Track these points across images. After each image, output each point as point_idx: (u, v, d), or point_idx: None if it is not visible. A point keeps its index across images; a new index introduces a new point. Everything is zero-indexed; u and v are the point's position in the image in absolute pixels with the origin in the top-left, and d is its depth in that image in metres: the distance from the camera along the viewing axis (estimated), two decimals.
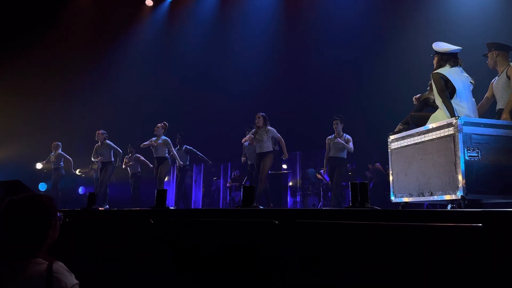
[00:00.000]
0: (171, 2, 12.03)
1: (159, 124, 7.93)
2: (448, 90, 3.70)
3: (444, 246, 1.89)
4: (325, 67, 9.88)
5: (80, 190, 11.94)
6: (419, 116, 3.97)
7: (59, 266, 1.67)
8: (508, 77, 3.95)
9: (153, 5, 12.04)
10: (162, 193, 3.31)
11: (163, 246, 2.99)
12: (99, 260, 3.27)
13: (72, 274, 1.70)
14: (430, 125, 3.62)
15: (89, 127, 11.41)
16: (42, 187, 11.73)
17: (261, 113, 6.92)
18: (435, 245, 1.91)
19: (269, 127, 6.84)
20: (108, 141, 8.42)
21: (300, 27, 10.44)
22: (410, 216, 2.08)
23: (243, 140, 7.23)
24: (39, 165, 11.70)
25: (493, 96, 4.16)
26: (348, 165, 7.46)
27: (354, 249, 2.15)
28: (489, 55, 4.11)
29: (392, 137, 4.07)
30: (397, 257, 2.00)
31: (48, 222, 1.75)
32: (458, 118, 3.30)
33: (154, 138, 7.90)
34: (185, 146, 8.60)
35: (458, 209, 3.09)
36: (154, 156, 7.88)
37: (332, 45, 9.69)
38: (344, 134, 6.99)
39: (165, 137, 7.87)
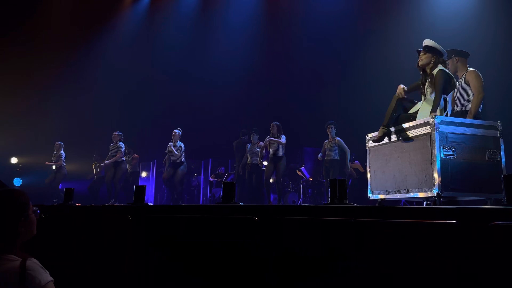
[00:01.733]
0: None
1: (175, 130, 8.31)
2: (451, 88, 3.77)
3: (419, 242, 1.93)
4: (306, 65, 9.94)
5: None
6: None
7: (33, 263, 1.64)
8: (466, 82, 4.24)
9: None
10: (141, 189, 3.27)
11: (141, 242, 2.96)
12: (74, 256, 3.22)
13: (47, 271, 1.67)
14: (407, 124, 3.68)
15: (67, 122, 11.21)
16: (17, 182, 11.47)
17: (275, 122, 7.73)
18: (411, 241, 1.95)
19: (283, 135, 7.67)
20: (121, 143, 8.82)
21: (281, 22, 10.47)
22: (387, 213, 2.11)
23: (261, 149, 7.97)
24: (14, 160, 11.44)
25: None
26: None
27: (332, 244, 2.17)
28: (449, 61, 4.28)
29: (370, 135, 4.13)
30: (373, 252, 2.03)
31: (17, 219, 1.71)
32: (434, 117, 3.37)
33: (171, 144, 8.29)
34: (179, 142, 8.71)
35: (434, 206, 3.17)
36: (172, 161, 8.29)
37: (313, 42, 9.76)
38: (337, 137, 7.67)
39: (181, 143, 8.31)
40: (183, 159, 8.29)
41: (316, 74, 9.86)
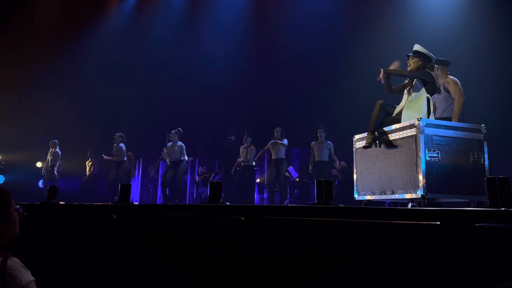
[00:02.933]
0: None
1: (173, 131, 8.30)
2: (436, 91, 3.95)
3: (404, 243, 1.95)
4: (293, 66, 9.97)
5: (40, 183, 11.53)
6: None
7: (14, 262, 1.61)
8: (446, 90, 4.40)
9: None
10: (126, 188, 3.24)
11: (125, 242, 2.94)
12: (57, 256, 3.17)
13: (28, 270, 1.64)
14: (393, 126, 3.72)
15: (50, 120, 11.02)
16: (0, 179, 11.26)
17: (279, 127, 8.02)
18: (396, 242, 1.97)
19: (285, 139, 7.97)
20: (121, 144, 8.83)
21: (270, 23, 10.47)
22: (372, 214, 2.13)
23: (260, 154, 8.32)
24: None
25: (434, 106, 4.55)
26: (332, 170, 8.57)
27: (318, 245, 2.18)
28: None
29: (357, 136, 4.17)
30: (359, 252, 2.05)
31: None
32: (420, 120, 3.41)
33: (169, 144, 8.31)
34: (179, 142, 8.69)
35: (418, 208, 3.20)
36: (171, 160, 8.27)
37: (301, 43, 9.79)
38: (327, 141, 7.97)
39: (181, 143, 8.30)
40: (182, 158, 8.26)
41: (303, 75, 9.89)
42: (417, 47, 3.94)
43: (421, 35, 7.24)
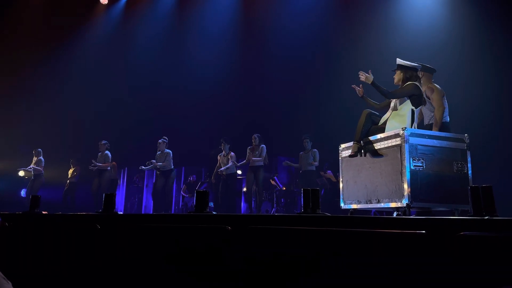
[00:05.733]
0: (126, 1, 11.71)
1: (160, 140, 8.32)
2: (420, 102, 3.94)
3: (390, 251, 1.96)
4: (282, 74, 10.03)
5: (22, 192, 11.30)
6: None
7: None
8: (427, 97, 4.50)
9: (107, 3, 11.66)
10: (110, 197, 3.19)
11: (109, 252, 2.89)
12: (39, 267, 3.10)
13: (9, 281, 1.60)
14: (378, 135, 3.76)
15: (32, 129, 10.84)
16: None
17: (256, 134, 8.02)
18: (381, 250, 1.98)
19: (262, 145, 7.96)
20: (107, 152, 8.78)
21: (257, 31, 10.53)
22: (358, 223, 2.14)
23: (245, 162, 8.18)
24: None
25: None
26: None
27: (305, 254, 2.18)
28: None
29: (343, 145, 4.19)
30: (345, 261, 2.05)
31: None
32: (405, 129, 3.45)
33: (158, 153, 8.34)
34: (166, 150, 8.62)
35: (403, 216, 3.23)
36: (161, 169, 8.25)
37: (289, 51, 9.86)
38: (313, 149, 8.01)
39: (168, 150, 8.31)
40: (172, 166, 8.30)
41: (290, 83, 9.95)
42: (398, 61, 4.00)
43: (405, 45, 7.37)
